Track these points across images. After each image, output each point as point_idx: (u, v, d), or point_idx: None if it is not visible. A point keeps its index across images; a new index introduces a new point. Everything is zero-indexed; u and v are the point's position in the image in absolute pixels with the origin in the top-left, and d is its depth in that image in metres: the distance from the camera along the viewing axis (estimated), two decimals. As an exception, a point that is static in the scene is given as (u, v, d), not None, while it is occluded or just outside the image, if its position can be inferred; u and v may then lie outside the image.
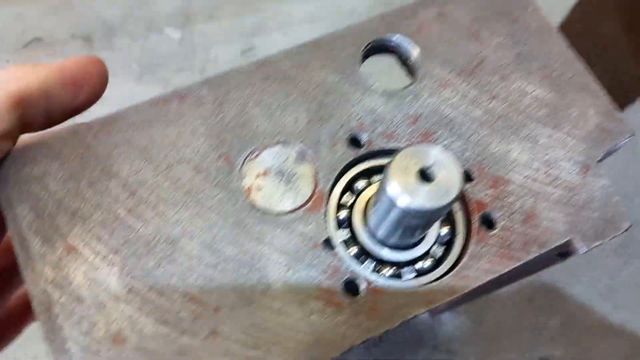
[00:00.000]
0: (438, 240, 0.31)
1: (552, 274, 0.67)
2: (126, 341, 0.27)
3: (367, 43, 0.33)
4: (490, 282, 0.30)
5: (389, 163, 0.25)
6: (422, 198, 0.24)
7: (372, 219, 0.29)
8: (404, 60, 0.34)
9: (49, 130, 0.31)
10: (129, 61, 0.70)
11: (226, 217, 0.29)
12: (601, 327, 0.66)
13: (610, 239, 0.30)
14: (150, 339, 0.27)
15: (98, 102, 0.31)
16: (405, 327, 0.55)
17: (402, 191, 0.24)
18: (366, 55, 0.34)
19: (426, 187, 0.24)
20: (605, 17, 0.76)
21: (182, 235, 0.28)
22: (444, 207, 0.24)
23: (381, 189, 0.26)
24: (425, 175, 0.24)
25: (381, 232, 0.29)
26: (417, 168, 0.24)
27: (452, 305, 0.55)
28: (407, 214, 0.25)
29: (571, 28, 0.75)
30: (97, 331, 0.27)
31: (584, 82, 0.33)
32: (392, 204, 0.25)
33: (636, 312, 0.67)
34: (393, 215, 0.26)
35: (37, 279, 0.27)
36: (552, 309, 0.67)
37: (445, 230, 0.31)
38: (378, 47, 0.34)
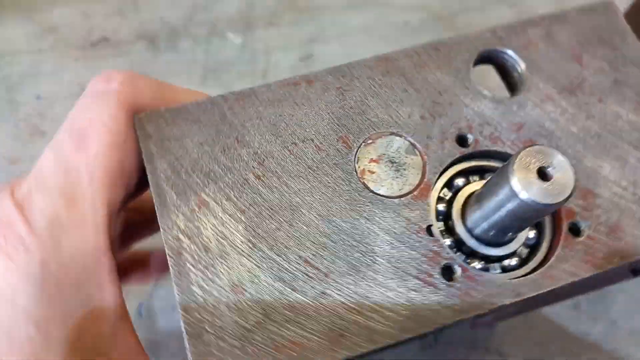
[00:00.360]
0: (525, 242, 0.33)
1: None
2: (244, 291, 0.30)
3: (481, 52, 0.36)
4: (560, 289, 0.32)
5: (513, 158, 0.27)
6: (539, 193, 0.27)
7: (473, 213, 0.32)
8: (508, 73, 0.37)
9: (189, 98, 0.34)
10: (193, 64, 0.72)
11: (341, 194, 0.32)
12: None
13: (686, 260, 0.33)
14: (265, 292, 0.30)
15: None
16: (463, 327, 0.58)
17: (522, 185, 0.27)
18: (476, 63, 0.37)
19: (543, 185, 0.27)
20: None
21: (302, 204, 0.32)
22: (557, 204, 0.27)
23: (497, 182, 0.28)
24: (543, 174, 0.27)
25: (478, 227, 0.32)
26: (537, 166, 0.27)
27: (506, 316, 0.57)
28: (521, 207, 0.27)
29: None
30: (220, 279, 0.30)
31: None
32: (510, 196, 0.27)
33: None
34: (504, 208, 0.28)
35: (171, 227, 0.31)
36: (596, 316, 0.69)
37: (532, 234, 0.34)
38: (488, 57, 0.37)
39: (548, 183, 0.27)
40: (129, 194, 0.34)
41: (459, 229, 0.33)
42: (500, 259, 0.33)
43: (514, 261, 0.33)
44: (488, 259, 0.33)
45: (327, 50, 0.74)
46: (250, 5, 0.79)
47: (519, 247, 0.33)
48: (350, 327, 0.30)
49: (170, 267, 0.30)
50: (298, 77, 0.35)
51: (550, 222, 0.33)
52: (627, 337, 0.69)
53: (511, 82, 0.37)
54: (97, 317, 0.30)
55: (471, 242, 0.33)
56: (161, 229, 0.31)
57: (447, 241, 0.33)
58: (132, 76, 0.34)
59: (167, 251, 0.30)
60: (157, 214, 0.31)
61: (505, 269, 0.33)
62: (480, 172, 0.35)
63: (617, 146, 0.35)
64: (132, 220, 0.42)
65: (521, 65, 0.36)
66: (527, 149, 0.27)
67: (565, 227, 0.33)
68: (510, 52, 0.36)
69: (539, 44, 0.37)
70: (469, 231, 0.33)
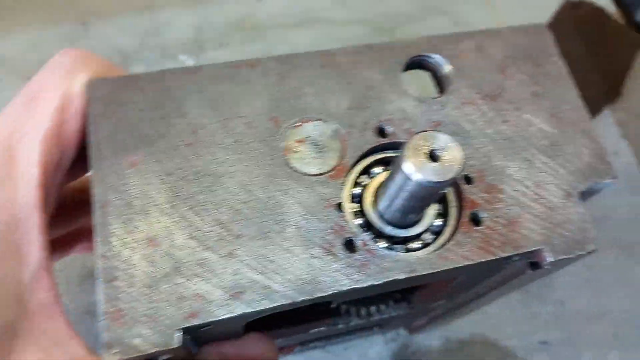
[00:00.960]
0: (431, 228, 0.36)
1: None
2: (159, 246, 0.33)
3: (412, 56, 0.39)
4: (457, 273, 0.35)
5: (406, 144, 0.30)
6: (429, 173, 0.29)
7: (381, 197, 0.35)
8: (437, 76, 0.40)
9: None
10: None
11: (263, 167, 0.35)
12: (587, 312, 0.73)
13: (576, 257, 0.35)
14: (178, 248, 0.33)
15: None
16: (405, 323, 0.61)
17: (414, 167, 0.29)
18: (408, 67, 0.40)
19: (433, 165, 0.29)
20: (570, 40, 0.89)
21: (225, 173, 0.35)
22: (446, 181, 0.29)
23: (395, 168, 0.31)
24: (433, 156, 0.30)
25: (384, 209, 0.35)
26: (427, 149, 0.30)
27: (438, 318, 0.60)
28: (415, 187, 0.30)
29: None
30: (138, 233, 0.33)
31: (586, 127, 0.39)
32: (405, 179, 0.30)
33: (613, 298, 0.74)
34: (402, 191, 0.31)
35: (101, 181, 0.34)
36: (545, 298, 0.73)
37: (439, 222, 0.36)
38: (419, 62, 0.40)
39: (437, 163, 0.29)
40: (67, 157, 0.36)
41: (369, 211, 0.36)
42: (405, 241, 0.36)
43: (417, 244, 0.36)
44: (394, 240, 0.36)
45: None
46: (199, 29, 0.84)
47: (423, 232, 0.36)
48: (252, 285, 0.32)
49: (93, 218, 0.33)
50: (244, 60, 0.38)
51: (455, 211, 0.36)
52: (575, 316, 0.72)
53: (440, 85, 0.40)
54: (19, 264, 0.33)
55: (378, 224, 0.35)
56: (91, 183, 0.34)
57: (359, 221, 0.36)
58: (84, 53, 0.38)
59: (94, 203, 0.33)
60: (92, 169, 0.34)
61: (408, 250, 0.35)
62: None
63: (526, 150, 0.37)
64: (77, 198, 0.44)
65: (446, 68, 0.39)
66: (418, 134, 0.30)
67: (467, 216, 0.35)
68: (436, 55, 0.39)
69: (469, 54, 0.40)
70: (380, 214, 0.36)
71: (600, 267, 0.76)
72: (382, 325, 0.64)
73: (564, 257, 0.35)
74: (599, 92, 0.86)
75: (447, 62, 0.39)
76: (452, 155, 0.30)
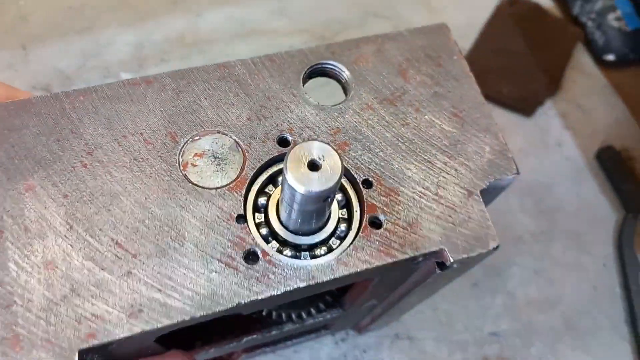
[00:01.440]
0: (335, 234, 0.36)
1: (491, 261, 0.76)
2: (56, 269, 0.32)
3: (311, 64, 0.40)
4: (361, 277, 0.35)
5: (286, 158, 0.30)
6: (311, 184, 0.29)
7: (280, 208, 0.35)
8: (339, 82, 0.41)
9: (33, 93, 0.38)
10: None
11: (160, 183, 0.35)
12: (538, 301, 0.74)
13: (479, 255, 0.35)
14: (76, 270, 0.32)
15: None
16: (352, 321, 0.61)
17: (297, 181, 0.29)
18: (310, 75, 0.40)
19: (314, 175, 0.29)
20: (511, 38, 0.90)
21: (122, 192, 0.35)
22: (330, 189, 0.29)
23: (283, 179, 0.31)
24: (314, 165, 0.30)
25: (285, 219, 0.35)
26: (307, 160, 0.30)
27: (376, 322, 0.60)
28: (303, 198, 0.30)
29: (484, 47, 0.89)
30: (35, 257, 0.33)
31: (488, 124, 0.39)
32: (293, 192, 0.30)
33: (565, 287, 0.75)
34: (294, 202, 0.31)
35: None
36: (494, 290, 0.75)
37: (343, 227, 0.36)
38: (319, 70, 0.40)
39: (318, 172, 0.30)
40: None
41: (273, 220, 0.36)
42: (311, 248, 0.36)
43: (323, 250, 0.36)
44: (300, 248, 0.36)
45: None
46: (140, 46, 0.85)
47: (329, 239, 0.36)
48: (150, 304, 0.32)
49: None
50: (139, 78, 0.38)
51: (358, 216, 0.36)
52: (525, 306, 0.73)
53: (344, 91, 0.41)
54: None
55: (282, 233, 0.35)
56: None
57: (264, 231, 0.36)
58: None
59: None
60: None
61: (314, 257, 0.36)
62: None
63: (426, 151, 0.38)
64: None
65: (345, 74, 0.40)
66: (296, 147, 0.30)
67: (366, 220, 0.36)
68: (333, 62, 0.40)
69: (369, 59, 0.40)
70: (283, 223, 0.36)
71: (549, 258, 0.77)
72: (328, 327, 0.64)
73: (466, 256, 0.35)
74: (540, 86, 0.87)
75: (345, 68, 0.40)
76: (332, 162, 0.30)
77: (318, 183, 0.29)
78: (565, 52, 0.89)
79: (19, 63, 0.82)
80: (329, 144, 0.31)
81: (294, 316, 0.51)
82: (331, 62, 0.40)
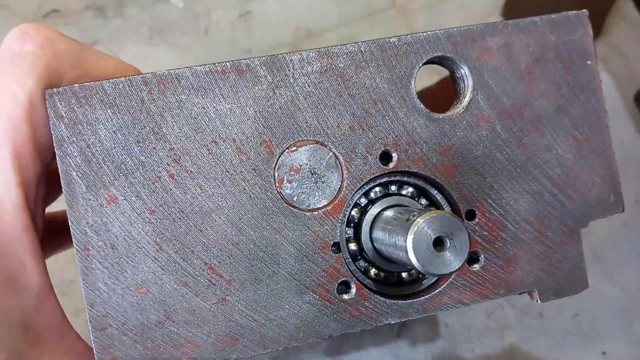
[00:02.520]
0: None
1: None
2: (148, 292, 0.31)
3: (429, 58, 0.34)
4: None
5: (417, 217, 0.28)
6: (426, 261, 0.28)
7: (378, 232, 0.33)
8: (455, 81, 0.35)
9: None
10: (140, 27, 0.75)
11: (255, 201, 0.32)
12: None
13: (567, 295, 0.36)
14: (168, 295, 0.31)
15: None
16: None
17: (415, 248, 0.28)
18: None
19: (434, 254, 0.28)
20: None
21: (213, 209, 0.32)
22: (440, 274, 0.28)
23: (398, 225, 0.29)
24: (440, 242, 0.28)
25: (378, 246, 0.33)
26: (436, 234, 0.28)
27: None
28: (410, 262, 0.28)
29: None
30: (125, 278, 0.31)
31: (604, 150, 0.36)
32: (404, 249, 0.28)
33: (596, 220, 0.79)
34: (399, 252, 0.29)
35: (79, 220, 0.31)
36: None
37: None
38: (437, 62, 0.34)
39: (439, 254, 0.28)
40: (46, 165, 0.33)
41: (365, 238, 0.34)
42: (398, 272, 0.35)
43: (410, 274, 0.35)
44: (385, 270, 0.35)
45: (264, 7, 0.77)
46: None
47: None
48: (245, 332, 0.32)
49: (77, 262, 0.31)
50: (229, 63, 0.32)
51: None
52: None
53: (456, 89, 0.35)
54: (18, 294, 0.31)
55: (371, 254, 0.34)
56: (69, 221, 0.31)
57: (352, 246, 0.34)
58: (51, 37, 0.31)
59: (75, 245, 0.31)
60: (66, 205, 0.31)
61: (401, 280, 0.35)
62: (399, 183, 0.35)
63: (537, 180, 0.35)
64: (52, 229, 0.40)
65: (468, 82, 0.34)
66: (433, 216, 0.27)
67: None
68: (463, 66, 0.34)
69: (492, 56, 0.34)
70: (373, 243, 0.34)
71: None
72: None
73: (554, 298, 0.35)
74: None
75: (465, 66, 0.34)
76: (460, 243, 0.28)
77: (437, 265, 0.28)
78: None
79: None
80: (457, 217, 0.28)
81: None
82: (453, 57, 0.34)
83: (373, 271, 0.35)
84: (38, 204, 0.33)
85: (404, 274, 0.35)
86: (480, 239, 0.34)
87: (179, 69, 0.31)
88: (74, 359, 0.34)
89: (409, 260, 0.28)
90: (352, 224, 0.34)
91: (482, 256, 0.34)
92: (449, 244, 0.28)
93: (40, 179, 0.32)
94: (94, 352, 0.31)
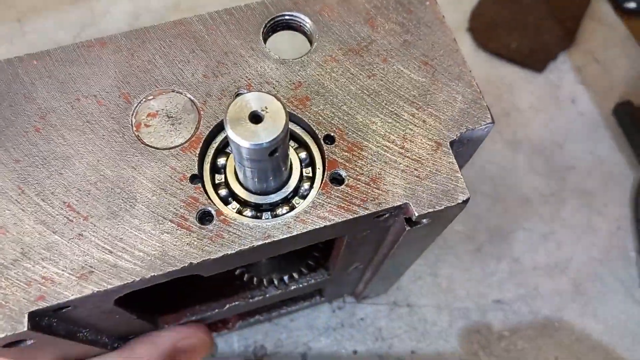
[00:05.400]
0: (299, 193, 0.35)
1: (495, 224, 0.72)
2: (7, 233, 0.32)
3: (272, 17, 0.38)
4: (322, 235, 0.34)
5: (225, 113, 0.29)
6: (253, 137, 0.28)
7: (236, 167, 0.33)
8: (306, 35, 0.38)
9: None
10: None
11: (113, 145, 0.34)
12: (545, 266, 0.71)
13: (447, 209, 0.33)
14: (27, 234, 0.32)
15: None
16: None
17: (238, 135, 0.28)
18: (274, 29, 0.38)
19: (256, 127, 0.28)
20: None
21: (74, 155, 0.34)
22: (275, 139, 0.28)
23: (229, 139, 0.30)
24: (256, 118, 0.28)
25: (242, 178, 0.33)
26: (248, 113, 0.28)
27: (370, 285, 0.59)
28: (249, 153, 0.29)
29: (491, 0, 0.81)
30: None
31: (460, 72, 0.37)
32: (238, 147, 0.29)
33: (575, 250, 0.72)
34: (241, 157, 0.30)
35: None
36: (499, 255, 0.71)
37: (306, 185, 0.35)
38: (282, 23, 0.38)
39: (261, 124, 0.28)
40: None
41: (232, 181, 0.34)
42: (272, 208, 0.34)
43: (284, 209, 0.34)
44: (260, 208, 0.34)
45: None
46: (136, 15, 0.84)
47: (291, 197, 0.34)
48: (101, 265, 0.31)
49: None
50: (93, 39, 0.37)
51: (320, 173, 0.35)
52: (532, 272, 0.70)
53: (310, 43, 0.38)
54: None
55: (241, 193, 0.34)
56: None
57: (223, 192, 0.34)
58: None
59: None
60: None
61: (275, 216, 0.34)
62: None
63: (393, 103, 0.36)
64: None
65: (308, 26, 0.37)
66: (235, 99, 0.28)
67: (327, 176, 0.34)
68: (295, 13, 0.37)
69: (334, 8, 0.38)
70: (241, 183, 0.34)
71: (559, 221, 0.74)
72: (323, 294, 0.63)
73: (431, 210, 0.33)
74: (553, 38, 0.83)
75: (308, 19, 0.38)
76: (275, 111, 0.28)
77: (263, 135, 0.28)
78: (581, 4, 0.84)
79: (16, 36, 0.82)
80: (270, 93, 0.29)
81: (276, 281, 0.50)
82: (293, 13, 0.38)
83: (237, 198, 0.34)
84: None
85: (277, 210, 0.34)
86: (341, 159, 0.34)
87: (51, 48, 0.36)
88: None
89: (234, 143, 0.28)
90: (221, 171, 0.35)
91: (345, 174, 0.34)
92: (264, 115, 0.28)
93: None
94: None
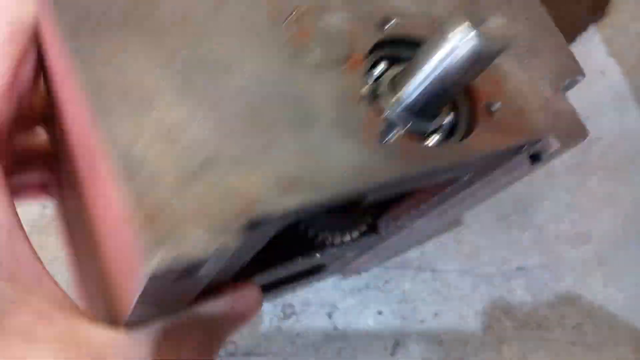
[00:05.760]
0: (444, 125, 0.36)
1: (519, 195, 0.75)
2: (179, 140, 0.28)
3: None
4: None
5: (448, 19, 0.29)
6: (488, 33, 0.28)
7: (401, 88, 0.33)
8: None
9: None
10: None
11: (274, 57, 0.32)
12: (569, 236, 0.74)
13: (575, 143, 0.37)
14: (203, 142, 0.29)
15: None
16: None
17: (469, 27, 0.28)
18: None
19: (488, 26, 0.28)
20: None
21: (234, 61, 0.31)
22: (505, 42, 0.29)
23: (433, 44, 0.30)
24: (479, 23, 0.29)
25: (406, 95, 0.33)
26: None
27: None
28: (466, 55, 0.29)
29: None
30: (149, 124, 0.28)
31: (552, 30, 0.41)
32: (451, 49, 0.29)
33: (600, 220, 0.75)
34: (440, 66, 0.30)
35: (86, 62, 0.28)
36: (523, 224, 0.74)
37: (449, 117, 0.36)
38: None
39: (489, 26, 0.29)
40: (25, 99, 0.33)
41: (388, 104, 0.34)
42: (426, 135, 0.34)
43: (438, 136, 0.35)
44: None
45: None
46: None
47: (445, 123, 0.35)
48: (297, 181, 0.29)
49: (87, 106, 0.28)
50: None
51: (465, 106, 0.36)
52: (555, 241, 0.74)
53: None
54: None
55: (404, 116, 0.33)
56: (73, 68, 0.28)
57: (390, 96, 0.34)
58: None
59: (83, 88, 0.28)
60: (69, 50, 0.29)
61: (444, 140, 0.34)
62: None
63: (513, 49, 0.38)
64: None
65: None
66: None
67: (483, 106, 0.35)
68: None
69: None
70: (400, 103, 0.34)
71: (583, 190, 0.77)
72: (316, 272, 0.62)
73: (569, 141, 0.36)
74: (584, 9, 0.84)
75: None
76: (500, 23, 0.29)
77: (493, 34, 0.28)
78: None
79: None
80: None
81: (337, 240, 0.50)
82: None
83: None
84: (6, 136, 0.32)
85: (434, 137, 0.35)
86: (490, 91, 0.36)
87: None
88: (55, 306, 0.30)
89: (462, 39, 0.28)
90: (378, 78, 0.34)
91: (496, 106, 0.35)
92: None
93: (13, 117, 0.32)
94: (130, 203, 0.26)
